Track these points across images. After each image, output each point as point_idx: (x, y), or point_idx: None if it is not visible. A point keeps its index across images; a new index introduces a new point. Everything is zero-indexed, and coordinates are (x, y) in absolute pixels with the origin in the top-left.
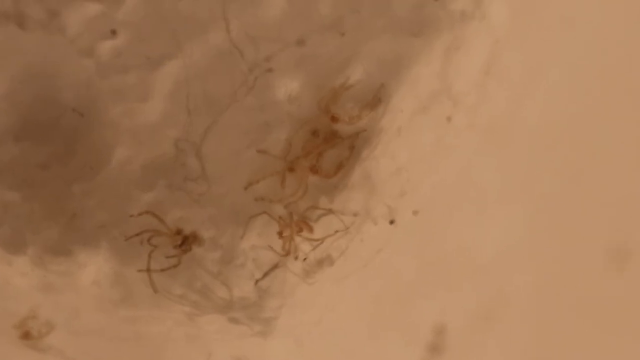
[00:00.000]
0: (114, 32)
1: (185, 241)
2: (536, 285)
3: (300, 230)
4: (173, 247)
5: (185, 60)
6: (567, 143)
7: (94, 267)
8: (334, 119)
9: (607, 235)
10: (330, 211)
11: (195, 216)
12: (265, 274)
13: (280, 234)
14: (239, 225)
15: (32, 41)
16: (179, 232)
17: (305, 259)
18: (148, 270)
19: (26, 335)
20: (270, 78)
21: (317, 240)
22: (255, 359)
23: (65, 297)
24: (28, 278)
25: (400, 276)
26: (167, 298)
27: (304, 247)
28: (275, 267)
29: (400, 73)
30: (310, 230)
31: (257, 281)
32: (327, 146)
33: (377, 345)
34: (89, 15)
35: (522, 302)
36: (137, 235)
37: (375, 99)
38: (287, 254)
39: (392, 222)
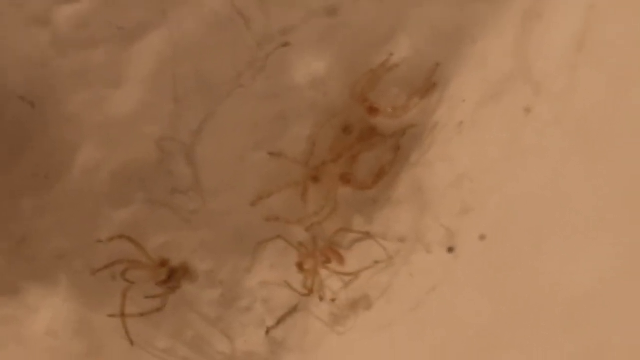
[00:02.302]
0: None
1: (173, 276)
2: None
3: (328, 261)
4: (156, 283)
5: (171, 32)
6: None
7: (49, 311)
8: (372, 110)
9: None
10: (367, 235)
11: (186, 242)
12: (280, 321)
13: (300, 265)
14: (244, 255)
15: None
16: (163, 263)
17: (334, 300)
18: (122, 315)
19: None
20: (286, 56)
21: (350, 274)
22: None
23: (8, 352)
24: None
25: (466, 323)
26: (147, 353)
27: (333, 283)
28: (293, 310)
29: (462, 49)
30: (341, 261)
31: (268, 330)
32: (364, 147)
33: None
34: None
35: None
36: (107, 267)
37: (428, 84)
38: (310, 293)
39: (451, 250)
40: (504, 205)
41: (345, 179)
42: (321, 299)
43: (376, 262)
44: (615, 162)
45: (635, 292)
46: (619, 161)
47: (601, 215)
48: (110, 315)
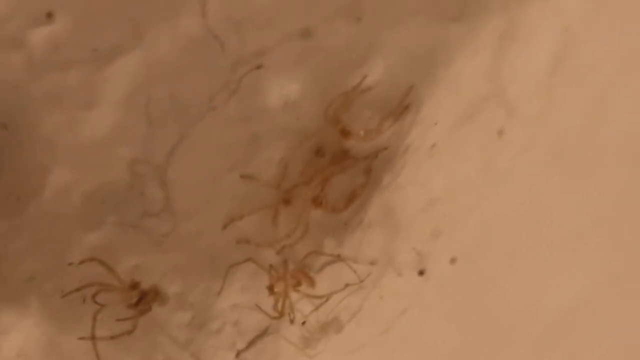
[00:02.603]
0: (50, 16)
1: (143, 298)
2: (622, 355)
3: (298, 283)
4: (127, 306)
5: (146, 54)
6: None
7: (19, 334)
8: (345, 133)
9: None
10: (338, 258)
11: (157, 265)
12: (251, 343)
13: (271, 288)
14: (215, 277)
15: None
16: (134, 286)
17: (304, 323)
18: (93, 338)
19: None
20: (260, 78)
21: (321, 297)
22: None
23: None
24: None
25: (436, 346)
26: None
27: (303, 306)
28: (264, 333)
29: (435, 71)
30: (312, 283)
31: (239, 353)
32: (336, 170)
33: None
34: None
35: None
36: (78, 290)
37: (402, 107)
38: (281, 315)
39: (421, 273)
40: (476, 229)
41: (317, 201)
42: (292, 321)
43: (347, 285)
44: (589, 186)
45: (606, 316)
46: (592, 185)
47: (574, 239)
48: (81, 338)
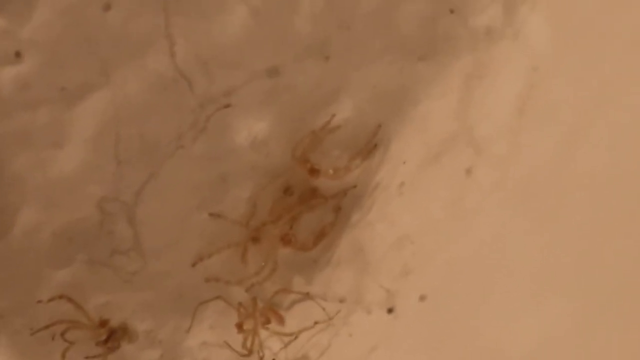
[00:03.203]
0: (18, 55)
1: (112, 336)
2: None
3: (267, 321)
4: (96, 343)
5: (114, 93)
6: (633, 211)
7: None
8: (313, 171)
9: None
10: (307, 296)
11: (126, 302)
12: None
13: (240, 326)
14: (185, 315)
15: None
16: (103, 323)
17: None
18: None
19: None
20: (228, 117)
21: (290, 335)
22: None
23: None
24: None
25: None
26: None
27: (273, 344)
28: None
29: (404, 110)
30: (281, 321)
31: None
32: (305, 208)
33: None
34: None
35: None
36: (47, 327)
37: (370, 145)
38: (250, 353)
39: (390, 310)
40: (445, 267)
41: (286, 239)
42: (261, 359)
43: (316, 323)
44: (555, 228)
45: (575, 356)
46: (559, 227)
47: (542, 277)
48: None
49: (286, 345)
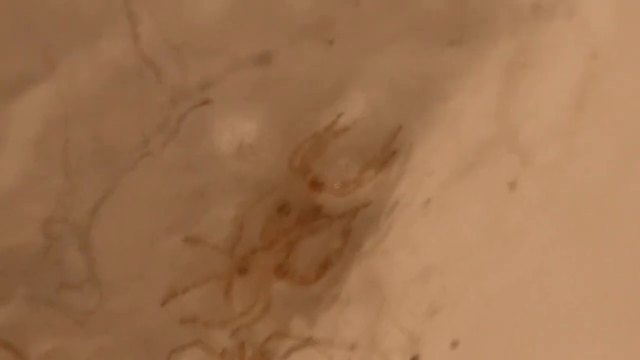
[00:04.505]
0: None
1: None
2: None
3: None
4: None
5: (61, 86)
6: None
7: None
8: (315, 185)
9: None
10: (309, 342)
11: (78, 350)
12: None
13: None
14: None
15: None
16: None
17: None
18: None
19: None
20: (207, 116)
21: None
22: None
23: None
24: None
25: None
26: None
27: None
28: None
29: (430, 108)
30: None
31: None
32: (305, 231)
33: None
34: None
35: None
36: None
37: (387, 152)
38: None
39: None
40: (481, 305)
41: (281, 271)
42: None
43: None
44: (615, 253)
45: None
46: (619, 252)
47: (599, 317)
48: None
49: None
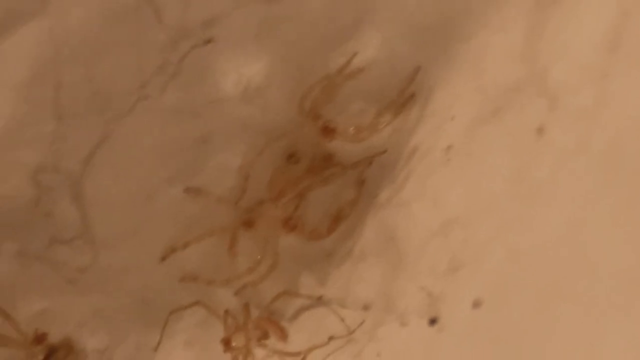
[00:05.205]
0: None
1: (52, 356)
2: None
3: (264, 336)
4: None
5: (53, 24)
6: None
7: None
8: (327, 131)
9: None
10: (319, 301)
11: (71, 310)
12: None
13: (227, 342)
14: (151, 327)
15: None
16: (39, 339)
17: None
18: None
19: None
20: (209, 57)
21: (296, 355)
22: None
23: None
24: None
25: None
26: None
27: None
28: None
29: (451, 47)
30: (283, 336)
31: None
32: (316, 182)
33: None
34: None
35: None
36: None
37: (405, 96)
38: None
39: (433, 321)
40: (507, 262)
41: (290, 224)
42: None
43: (331, 338)
44: None
45: None
46: None
47: (635, 277)
48: None
49: None
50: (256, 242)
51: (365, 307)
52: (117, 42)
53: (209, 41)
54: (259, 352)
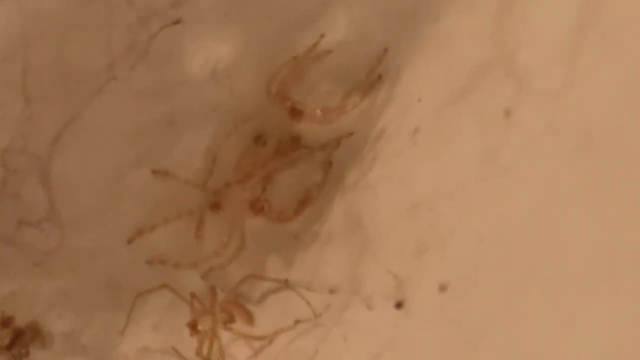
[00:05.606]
0: None
1: (18, 339)
2: None
3: (231, 319)
4: None
5: (20, 3)
6: None
7: None
8: (295, 113)
9: None
10: (286, 285)
11: (37, 293)
12: None
13: (193, 326)
14: (117, 310)
15: None
16: (6, 322)
17: None
18: None
19: None
20: (177, 37)
21: (262, 338)
22: None
23: None
24: None
25: None
26: None
27: (238, 350)
28: None
29: (418, 28)
30: (249, 319)
31: None
32: (283, 163)
33: None
34: None
35: None
36: None
37: (372, 77)
38: None
39: (400, 304)
40: (474, 244)
41: (257, 207)
42: None
43: (297, 322)
44: (628, 189)
45: None
46: (629, 185)
47: (607, 259)
48: None
49: (257, 353)
50: (223, 225)
51: (332, 291)
52: (86, 23)
53: (177, 21)
54: (224, 336)
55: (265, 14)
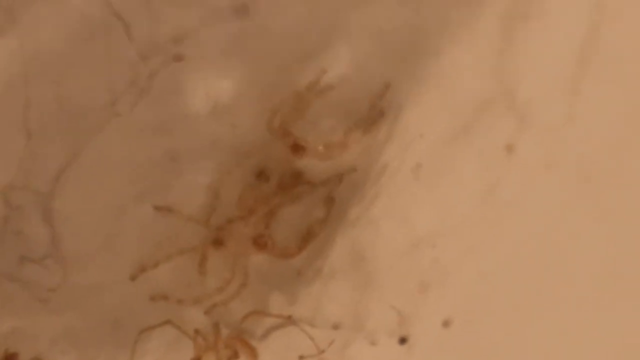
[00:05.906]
0: None
1: None
2: None
3: (235, 355)
4: None
5: (22, 41)
6: None
7: None
8: (297, 148)
9: None
10: (289, 321)
11: (41, 329)
12: None
13: None
14: (121, 347)
15: None
16: (10, 358)
17: None
18: None
19: None
20: (179, 73)
21: None
22: None
23: None
24: None
25: None
26: None
27: None
28: None
29: (421, 64)
30: (253, 355)
31: None
32: (285, 199)
33: None
34: None
35: None
36: None
37: (375, 113)
38: None
39: (403, 340)
40: (477, 280)
41: (260, 243)
42: None
43: (301, 358)
44: (629, 222)
45: None
46: (629, 218)
47: (610, 296)
48: None
49: None
50: (226, 261)
51: (335, 327)
52: (87, 58)
53: (178, 58)
54: None
55: (266, 49)
